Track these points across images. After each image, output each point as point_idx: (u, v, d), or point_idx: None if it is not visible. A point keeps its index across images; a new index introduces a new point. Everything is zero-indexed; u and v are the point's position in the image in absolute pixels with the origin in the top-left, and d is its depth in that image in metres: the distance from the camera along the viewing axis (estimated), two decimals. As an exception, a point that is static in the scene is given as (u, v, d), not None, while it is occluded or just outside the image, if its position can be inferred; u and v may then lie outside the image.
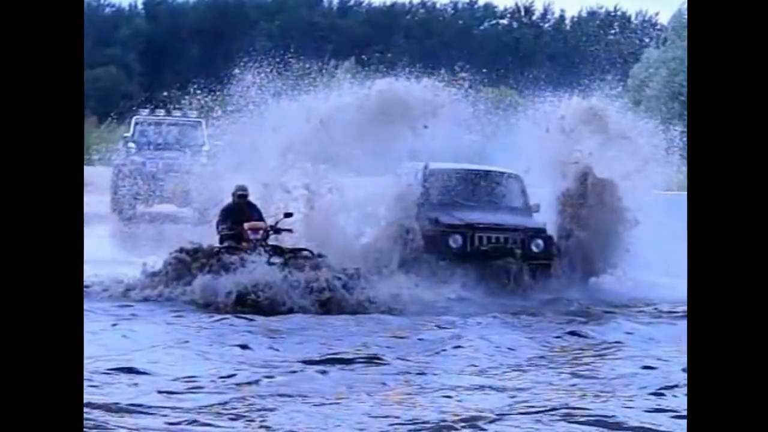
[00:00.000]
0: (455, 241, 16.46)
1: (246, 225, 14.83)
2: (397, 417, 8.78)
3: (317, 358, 11.13)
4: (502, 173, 17.88)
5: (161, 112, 30.24)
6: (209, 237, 15.89)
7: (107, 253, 18.48)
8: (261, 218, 15.25)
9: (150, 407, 8.85)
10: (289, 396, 9.41)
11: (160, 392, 9.41)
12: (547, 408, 9.10)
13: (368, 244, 16.40)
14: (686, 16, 51.19)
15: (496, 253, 16.34)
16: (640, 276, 16.93)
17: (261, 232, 14.81)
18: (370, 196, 16.83)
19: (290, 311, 13.85)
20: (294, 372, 10.54)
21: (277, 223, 15.19)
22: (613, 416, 8.85)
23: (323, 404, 9.17)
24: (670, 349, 12.00)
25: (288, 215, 15.31)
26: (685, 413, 8.77)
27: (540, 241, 16.59)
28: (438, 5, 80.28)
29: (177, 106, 39.35)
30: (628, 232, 17.01)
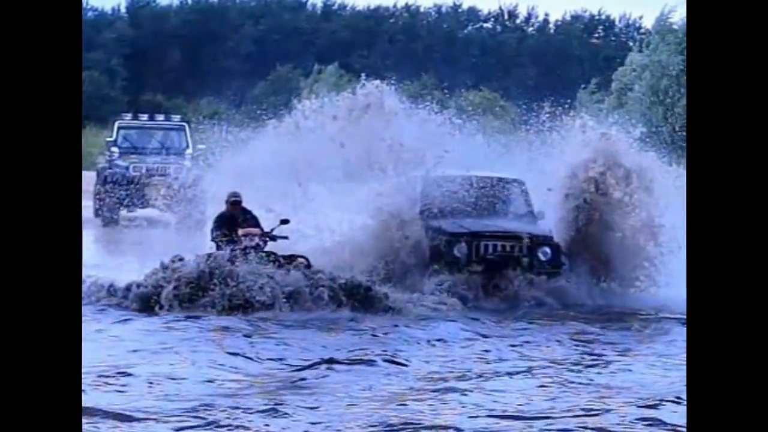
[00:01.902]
0: (460, 250, 16.00)
1: (240, 231, 14.63)
2: (361, 419, 8.82)
3: (300, 364, 11.12)
4: (505, 179, 17.45)
5: (144, 116, 30.15)
6: (194, 242, 15.78)
7: (90, 258, 18.36)
8: (257, 225, 15.00)
9: (137, 412, 8.84)
10: (275, 399, 9.40)
11: (146, 397, 9.39)
12: (525, 415, 9.10)
13: (368, 253, 15.94)
14: (669, 20, 51.28)
15: (503, 261, 15.93)
16: (652, 284, 16.52)
17: (256, 238, 14.61)
18: (369, 203, 16.37)
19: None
20: (277, 376, 10.56)
21: (272, 230, 14.93)
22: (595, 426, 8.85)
23: (303, 407, 9.18)
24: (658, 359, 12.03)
25: (284, 222, 14.99)
26: (654, 422, 8.85)
27: (547, 249, 16.11)
28: (422, 9, 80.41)
29: (160, 109, 39.32)
30: (645, 239, 16.52)
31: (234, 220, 14.90)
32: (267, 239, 14.84)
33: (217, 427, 8.55)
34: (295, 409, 9.13)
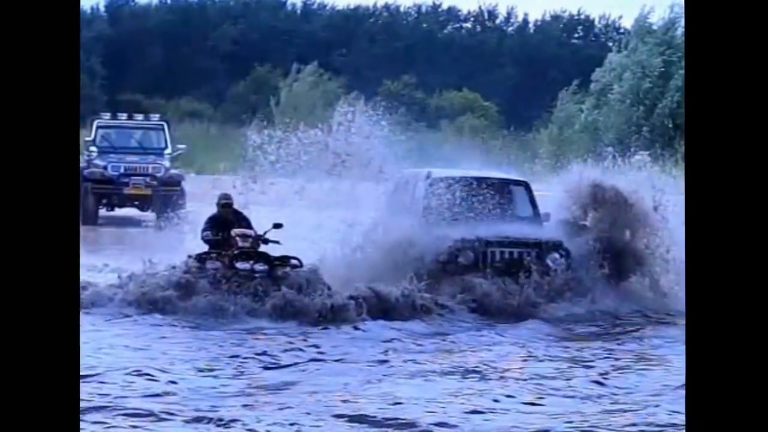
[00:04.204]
0: (466, 257, 15.31)
1: (234, 231, 14.46)
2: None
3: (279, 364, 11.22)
4: (509, 180, 16.87)
5: (123, 115, 30.04)
6: (174, 241, 15.68)
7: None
8: (250, 227, 14.82)
9: (118, 409, 8.94)
10: (255, 397, 9.48)
11: (123, 397, 9.42)
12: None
13: (367, 260, 15.19)
14: (648, 20, 51.39)
15: (511, 269, 15.21)
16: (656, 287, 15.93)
17: (250, 240, 14.43)
18: (365, 206, 15.83)
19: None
20: (257, 375, 10.63)
21: (265, 233, 14.75)
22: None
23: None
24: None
25: (277, 226, 14.68)
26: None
27: (557, 255, 15.41)
28: (401, 9, 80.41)
29: (139, 109, 39.20)
30: (654, 243, 15.93)
31: (226, 221, 14.76)
32: (260, 242, 14.62)
33: (195, 423, 8.66)
34: (271, 407, 9.24)
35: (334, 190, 16.30)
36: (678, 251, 15.11)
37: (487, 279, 15.12)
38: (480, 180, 16.47)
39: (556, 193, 16.90)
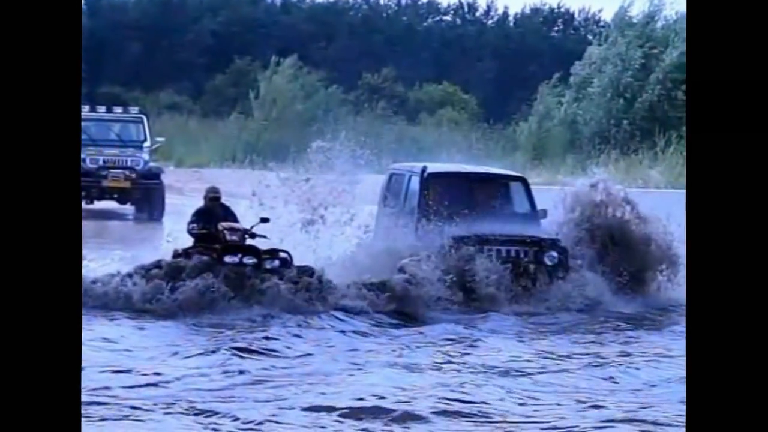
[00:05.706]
0: (463, 255, 14.72)
1: (223, 225, 14.40)
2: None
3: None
4: (506, 176, 16.61)
5: (102, 108, 29.97)
6: (156, 234, 15.67)
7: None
8: (236, 221, 14.78)
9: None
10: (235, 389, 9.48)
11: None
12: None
13: (361, 256, 14.97)
14: (628, 14, 51.40)
15: (510, 268, 14.86)
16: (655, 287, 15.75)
17: (238, 233, 14.38)
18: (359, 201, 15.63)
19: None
20: (218, 361, 10.67)
21: (252, 227, 14.69)
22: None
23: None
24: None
25: (264, 220, 14.63)
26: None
27: (554, 253, 15.05)
28: (381, 2, 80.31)
29: (118, 101, 39.10)
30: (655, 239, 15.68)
31: (213, 215, 14.72)
32: (247, 236, 14.58)
33: (176, 414, 8.68)
34: (250, 399, 9.32)
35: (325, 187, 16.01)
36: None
37: (484, 276, 14.73)
38: (476, 175, 16.25)
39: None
